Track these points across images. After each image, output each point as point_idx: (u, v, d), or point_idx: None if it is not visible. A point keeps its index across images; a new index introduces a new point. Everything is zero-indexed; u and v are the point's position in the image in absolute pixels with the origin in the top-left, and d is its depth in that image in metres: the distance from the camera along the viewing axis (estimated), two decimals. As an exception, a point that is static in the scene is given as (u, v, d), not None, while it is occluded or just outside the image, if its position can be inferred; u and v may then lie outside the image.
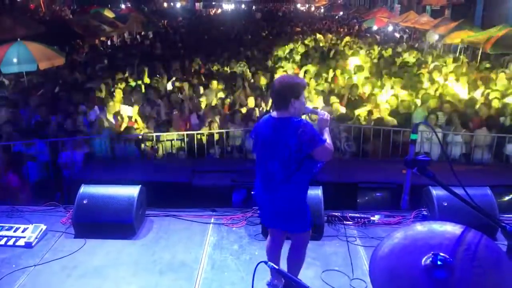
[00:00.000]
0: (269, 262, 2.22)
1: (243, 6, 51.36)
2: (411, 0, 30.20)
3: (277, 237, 3.63)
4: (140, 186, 4.89)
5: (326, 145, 3.19)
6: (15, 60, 10.23)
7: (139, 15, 24.47)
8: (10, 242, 4.46)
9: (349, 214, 4.98)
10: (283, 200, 3.31)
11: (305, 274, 3.87)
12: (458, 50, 16.81)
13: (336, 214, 4.96)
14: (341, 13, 40.34)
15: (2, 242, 4.46)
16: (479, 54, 14.17)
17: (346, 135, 7.46)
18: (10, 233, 4.57)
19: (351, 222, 4.92)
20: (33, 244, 4.45)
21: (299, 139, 3.12)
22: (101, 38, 19.82)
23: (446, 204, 4.56)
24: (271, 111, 3.43)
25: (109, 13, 23.13)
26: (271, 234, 3.67)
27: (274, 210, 3.41)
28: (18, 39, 10.80)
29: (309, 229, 3.48)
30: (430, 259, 2.05)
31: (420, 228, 2.33)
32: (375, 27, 25.63)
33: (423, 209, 5.00)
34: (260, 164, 3.42)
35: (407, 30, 23.74)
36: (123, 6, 35.22)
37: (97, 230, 4.59)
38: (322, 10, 47.65)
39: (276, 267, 2.21)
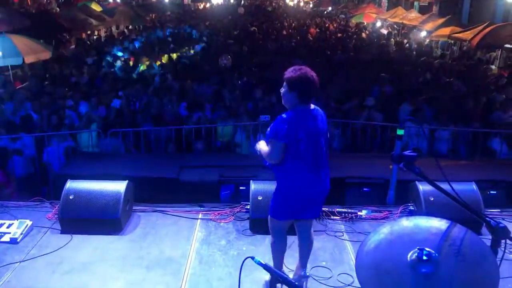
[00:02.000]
0: (256, 258, 2.22)
1: (232, 1, 51.11)
2: (400, -4, 30.32)
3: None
4: (127, 181, 4.85)
5: None
6: (0, 53, 10.08)
7: (127, 8, 24.20)
8: (-5, 238, 4.41)
9: (337, 209, 5.01)
10: (327, 186, 3.50)
11: (293, 269, 3.88)
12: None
13: (324, 209, 4.97)
14: (330, 8, 40.35)
15: (-13, 238, 4.41)
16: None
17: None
18: (-5, 229, 4.52)
19: (339, 217, 4.94)
20: (18, 240, 4.40)
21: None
22: (88, 32, 19.60)
23: (432, 199, 4.61)
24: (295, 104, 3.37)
25: (96, 7, 22.85)
26: (298, 227, 3.70)
27: (321, 199, 3.53)
28: (3, 33, 10.63)
29: None
30: (416, 254, 2.07)
31: (406, 223, 2.36)
32: (363, 23, 25.73)
33: (410, 204, 5.04)
34: (305, 157, 3.35)
35: (395, 26, 23.84)
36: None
37: (83, 225, 4.56)
38: (311, 5, 47.60)
39: (263, 262, 2.22)
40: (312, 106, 3.41)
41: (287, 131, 3.24)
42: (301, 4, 51.65)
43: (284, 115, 3.30)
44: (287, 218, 3.55)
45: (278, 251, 3.68)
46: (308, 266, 3.87)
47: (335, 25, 27.24)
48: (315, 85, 3.30)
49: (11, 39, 10.48)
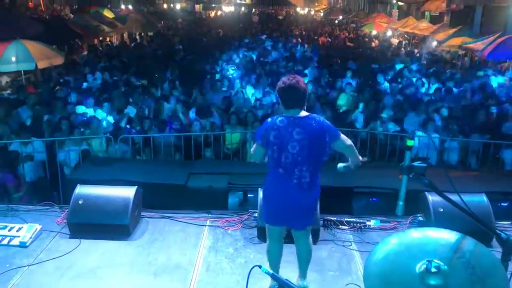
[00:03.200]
0: (263, 266, 2.22)
1: (242, 8, 51.42)
2: (410, 6, 30.30)
3: None
4: (136, 187, 4.87)
5: None
6: (13, 58, 10.24)
7: (139, 15, 24.45)
8: (5, 241, 4.43)
9: (345, 219, 4.98)
10: (309, 197, 3.54)
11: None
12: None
13: (332, 218, 4.96)
14: (341, 17, 40.46)
15: (-3, 241, 4.44)
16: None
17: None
18: (5, 232, 4.54)
19: (347, 227, 4.91)
20: (27, 244, 4.42)
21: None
22: (100, 38, 19.81)
23: (442, 210, 4.57)
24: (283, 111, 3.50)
25: (108, 13, 23.12)
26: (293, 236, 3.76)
27: (300, 209, 3.55)
28: (17, 38, 10.77)
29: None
30: (425, 265, 2.05)
31: (415, 234, 2.34)
32: (374, 32, 25.73)
33: (419, 215, 5.00)
34: (279, 163, 3.44)
35: (406, 36, 23.81)
36: (123, 6, 35.20)
37: (92, 230, 4.57)
38: (322, 14, 47.74)
39: (271, 271, 2.21)
40: (304, 113, 3.44)
41: (263, 133, 3.44)
42: (312, 12, 51.83)
43: (268, 119, 3.49)
44: (272, 223, 3.61)
45: (270, 256, 3.72)
46: (315, 275, 3.85)
47: (346, 33, 27.28)
48: (298, 94, 3.39)
49: (25, 45, 10.63)
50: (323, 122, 3.43)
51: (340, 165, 3.75)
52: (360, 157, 3.65)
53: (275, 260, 3.71)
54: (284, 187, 3.42)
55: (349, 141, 3.56)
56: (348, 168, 3.69)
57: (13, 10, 25.78)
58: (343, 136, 3.52)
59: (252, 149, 3.65)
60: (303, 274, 3.78)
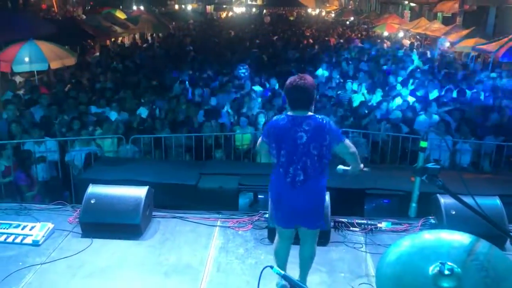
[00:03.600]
0: (275, 267, 2.22)
1: (253, 9, 51.45)
2: (423, 7, 30.09)
3: None
4: (147, 187, 4.90)
5: None
6: (26, 59, 10.35)
7: (150, 16, 24.57)
8: (18, 240, 4.48)
9: (356, 221, 4.96)
10: (311, 198, 3.51)
11: (311, 280, 3.86)
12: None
13: (343, 220, 4.94)
14: (352, 18, 40.30)
15: (10, 239, 4.48)
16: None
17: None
18: (18, 230, 4.59)
19: (358, 229, 4.89)
20: (40, 243, 4.47)
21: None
22: (112, 39, 19.94)
23: (454, 212, 4.53)
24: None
25: (120, 14, 23.26)
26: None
27: (301, 210, 3.53)
28: (30, 39, 10.89)
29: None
30: (438, 268, 2.04)
31: (428, 236, 2.33)
32: (385, 33, 25.60)
33: (430, 217, 4.97)
34: (280, 161, 3.48)
35: (418, 37, 23.65)
36: (134, 7, 35.42)
37: (104, 230, 4.61)
38: (333, 15, 47.61)
39: (282, 272, 2.21)
40: (309, 113, 3.41)
41: (266, 132, 3.53)
42: (323, 13, 51.70)
43: (274, 118, 3.56)
44: (279, 224, 3.61)
45: (276, 254, 3.74)
46: (326, 276, 3.84)
47: (358, 34, 27.18)
48: (304, 94, 3.37)
49: (38, 45, 10.74)
50: (325, 123, 3.38)
51: (340, 167, 3.73)
52: (362, 165, 3.64)
53: (283, 260, 3.72)
54: (280, 186, 3.46)
55: (352, 148, 3.52)
56: (346, 173, 3.67)
57: (27, 11, 26.07)
58: (347, 142, 3.48)
59: (257, 144, 3.72)
60: (302, 276, 3.75)
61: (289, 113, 3.45)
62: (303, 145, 3.34)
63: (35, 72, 11.13)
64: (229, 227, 4.94)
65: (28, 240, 4.48)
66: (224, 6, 52.07)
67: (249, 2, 55.03)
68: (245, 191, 5.99)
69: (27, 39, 10.87)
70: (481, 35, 16.39)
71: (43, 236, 4.54)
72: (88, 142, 7.23)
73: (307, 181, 3.38)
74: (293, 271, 3.72)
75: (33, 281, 3.92)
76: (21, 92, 10.57)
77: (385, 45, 22.22)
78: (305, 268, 3.75)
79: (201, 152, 7.32)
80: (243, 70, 12.77)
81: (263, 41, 22.41)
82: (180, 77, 12.43)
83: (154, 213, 5.10)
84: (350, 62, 15.03)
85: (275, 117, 3.56)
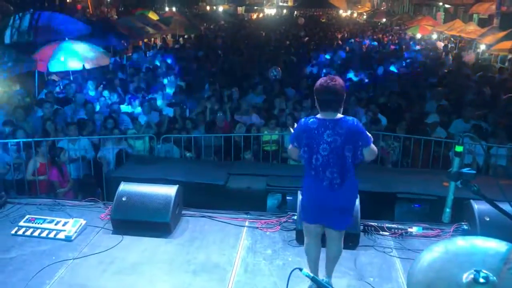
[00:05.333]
0: (304, 269, 2.21)
1: (284, 11, 51.36)
2: (457, 9, 29.45)
3: None
4: (177, 186, 4.95)
5: None
6: (62, 58, 10.61)
7: (182, 18, 24.85)
8: (51, 235, 4.60)
9: (386, 225, 4.89)
10: (341, 198, 3.53)
11: (339, 284, 3.84)
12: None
13: (373, 224, 4.88)
14: (384, 20, 39.81)
15: (44, 234, 4.61)
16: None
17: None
18: (52, 226, 4.72)
19: (388, 233, 4.82)
20: (72, 238, 4.58)
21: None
22: (145, 40, 20.25)
23: (488, 219, 4.41)
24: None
25: (153, 16, 23.62)
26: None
27: (333, 210, 3.55)
28: (66, 39, 11.17)
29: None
30: (472, 275, 1.99)
31: (462, 242, 2.27)
32: (419, 35, 25.17)
33: (463, 223, 4.85)
34: (310, 162, 3.50)
35: (452, 39, 23.15)
36: (167, 9, 35.92)
37: (134, 227, 4.68)
38: (364, 17, 47.13)
39: (311, 274, 2.20)
40: (339, 115, 3.41)
41: (296, 134, 3.52)
42: (355, 15, 51.23)
43: (302, 120, 3.52)
44: (307, 220, 3.64)
45: (308, 254, 3.78)
46: (355, 280, 3.80)
47: (390, 37, 26.81)
48: (333, 96, 3.37)
49: (73, 45, 11.01)
50: (357, 126, 3.38)
51: None
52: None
53: (313, 259, 3.74)
54: (317, 189, 3.46)
55: (375, 153, 3.52)
56: None
57: (64, 12, 26.71)
58: (372, 146, 3.48)
59: (288, 149, 3.75)
60: (329, 273, 3.80)
61: (319, 115, 3.45)
62: (338, 148, 3.35)
63: (70, 72, 11.40)
64: (257, 227, 4.94)
65: (61, 236, 4.59)
66: (255, 7, 52.23)
67: (280, 4, 55.00)
68: (274, 192, 5.98)
69: (63, 39, 11.16)
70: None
71: (76, 232, 4.64)
72: (120, 141, 7.35)
73: (344, 183, 3.41)
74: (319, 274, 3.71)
75: (65, 275, 4.01)
76: (55, 91, 10.82)
77: (418, 47, 21.85)
78: (332, 265, 3.77)
79: (230, 152, 7.35)
80: (275, 73, 12.76)
81: (294, 43, 22.35)
82: (210, 77, 12.51)
83: (183, 212, 5.16)
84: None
85: (303, 120, 3.52)
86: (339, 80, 3.42)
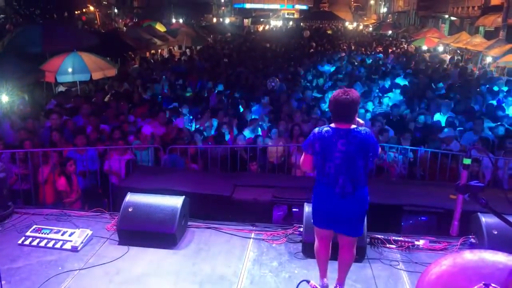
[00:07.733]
0: (311, 282, 2.20)
1: (290, 23, 51.61)
2: (463, 21, 29.49)
3: None
4: (183, 197, 4.95)
5: None
6: (70, 69, 10.71)
7: (189, 29, 25.02)
8: (58, 245, 4.62)
9: (393, 237, 4.87)
10: (353, 206, 3.63)
11: None
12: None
13: (379, 236, 4.85)
14: (390, 32, 39.90)
15: (50, 244, 4.63)
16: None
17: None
18: (58, 236, 4.73)
19: (395, 246, 4.79)
20: (78, 248, 4.59)
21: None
22: (152, 51, 20.39)
23: (496, 232, 4.38)
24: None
25: (160, 27, 23.82)
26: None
27: (345, 217, 3.66)
28: (74, 50, 11.28)
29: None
30: (481, 289, 1.97)
31: (470, 256, 2.25)
32: (424, 47, 25.18)
33: (470, 237, 4.81)
34: (324, 170, 3.62)
35: (458, 51, 23.14)
36: (174, 20, 36.21)
37: (140, 238, 4.68)
38: (370, 29, 47.26)
39: (319, 286, 2.19)
40: (353, 126, 3.54)
41: (309, 142, 3.63)
42: (361, 27, 51.40)
43: (315, 129, 3.59)
44: (318, 225, 3.73)
45: (317, 256, 3.85)
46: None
47: (393, 48, 26.84)
48: (346, 108, 3.50)
49: (81, 56, 11.11)
50: (369, 137, 3.53)
51: None
52: None
53: (322, 259, 3.82)
54: (328, 195, 3.56)
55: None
56: None
57: (71, 23, 27.03)
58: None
59: (301, 159, 3.78)
60: (340, 279, 3.81)
61: (333, 125, 3.58)
62: (351, 157, 3.48)
63: (78, 83, 11.49)
64: (263, 239, 4.93)
65: (68, 246, 4.60)
66: (262, 19, 52.51)
67: (286, 16, 55.29)
68: (279, 204, 5.96)
69: (71, 50, 11.26)
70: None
71: (82, 242, 4.65)
72: (125, 151, 7.37)
73: (356, 192, 3.51)
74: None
75: (71, 285, 4.01)
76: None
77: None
78: (342, 271, 3.80)
79: (236, 164, 7.35)
80: (273, 84, 12.82)
81: (299, 54, 22.43)
82: (216, 88, 12.57)
83: (189, 223, 5.15)
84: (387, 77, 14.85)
85: (317, 129, 3.63)
86: (352, 93, 3.54)
